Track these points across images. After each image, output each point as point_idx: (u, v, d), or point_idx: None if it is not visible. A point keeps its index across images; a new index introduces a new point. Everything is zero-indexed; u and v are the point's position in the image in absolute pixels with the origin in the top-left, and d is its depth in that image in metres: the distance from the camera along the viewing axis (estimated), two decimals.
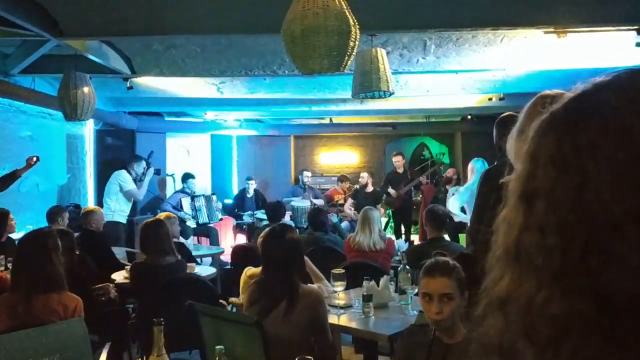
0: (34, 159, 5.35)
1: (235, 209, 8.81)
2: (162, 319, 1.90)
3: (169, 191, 8.52)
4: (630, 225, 0.49)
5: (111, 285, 4.26)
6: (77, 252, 4.16)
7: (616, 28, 4.26)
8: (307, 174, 9.19)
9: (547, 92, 1.97)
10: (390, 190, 8.19)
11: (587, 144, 0.53)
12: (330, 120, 10.60)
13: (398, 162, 8.37)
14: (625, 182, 0.50)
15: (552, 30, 4.22)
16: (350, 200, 8.73)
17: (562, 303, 0.51)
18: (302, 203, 8.51)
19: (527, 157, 0.58)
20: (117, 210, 6.79)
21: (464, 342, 2.00)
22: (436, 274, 2.07)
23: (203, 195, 8.14)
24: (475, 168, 6.06)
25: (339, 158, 11.72)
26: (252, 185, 8.93)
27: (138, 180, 7.10)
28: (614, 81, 0.56)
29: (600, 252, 0.50)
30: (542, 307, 0.52)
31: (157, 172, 7.84)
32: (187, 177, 8.10)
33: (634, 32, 4.17)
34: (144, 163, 7.17)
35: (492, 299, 0.58)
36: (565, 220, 0.52)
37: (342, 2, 2.70)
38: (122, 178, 6.87)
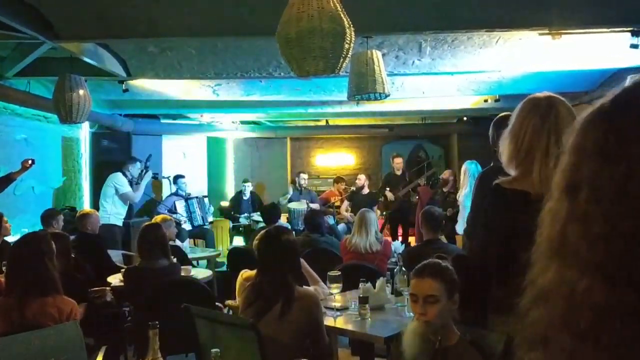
0: (30, 161, 5.33)
1: (231, 211, 8.81)
2: (157, 322, 1.89)
3: (165, 194, 8.51)
4: None
5: (107, 288, 4.25)
6: (73, 255, 4.15)
7: (610, 30, 4.28)
8: (303, 176, 9.19)
9: (537, 94, 1.98)
10: (388, 193, 8.21)
11: (633, 136, 0.53)
12: (327, 122, 10.61)
13: (399, 164, 8.41)
14: None
15: (547, 31, 4.23)
16: (346, 202, 8.74)
17: (605, 292, 0.51)
18: (298, 205, 8.51)
19: (573, 149, 0.58)
20: (113, 213, 6.77)
21: (458, 345, 2.00)
22: (424, 275, 2.07)
23: (196, 197, 8.14)
24: (469, 170, 6.12)
25: (336, 160, 11.72)
26: (249, 188, 8.94)
27: (135, 183, 7.08)
28: None
29: None
30: (584, 296, 0.52)
31: (155, 176, 7.84)
32: (177, 178, 8.10)
33: (629, 34, 4.19)
34: (139, 164, 7.16)
35: (536, 291, 0.59)
36: (609, 210, 0.52)
37: (337, 4, 2.70)
38: (118, 181, 6.85)
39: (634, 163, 0.52)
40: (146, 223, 4.29)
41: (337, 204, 8.97)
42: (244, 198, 8.86)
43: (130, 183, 7.00)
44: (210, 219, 8.32)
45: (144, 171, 7.20)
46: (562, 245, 0.56)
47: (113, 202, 6.80)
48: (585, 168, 0.56)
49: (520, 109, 1.98)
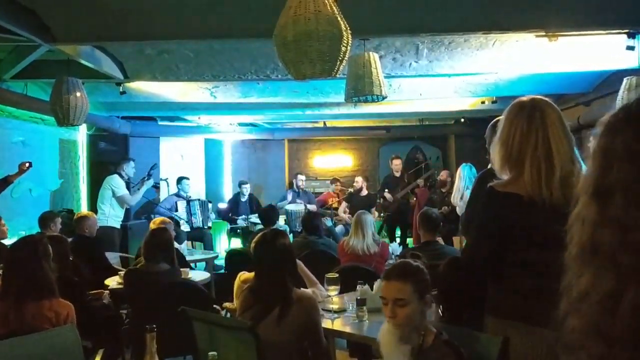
0: (27, 164, 5.33)
1: (229, 213, 8.81)
2: (154, 325, 1.89)
3: (163, 196, 8.51)
4: None
5: (105, 291, 4.25)
6: (71, 258, 4.15)
7: (607, 32, 4.30)
8: (301, 177, 9.21)
9: (522, 98, 2.01)
10: (387, 195, 8.22)
11: None
12: (324, 124, 10.62)
13: (397, 165, 8.42)
14: None
15: (544, 34, 4.24)
16: (344, 204, 8.75)
17: None
18: (296, 207, 8.51)
19: (599, 154, 0.57)
20: (112, 215, 6.77)
21: (434, 345, 1.98)
22: (391, 278, 2.04)
23: (199, 200, 8.15)
24: (463, 173, 6.22)
25: (333, 162, 11.74)
26: (247, 189, 8.94)
27: (132, 186, 7.08)
28: None
29: None
30: (624, 303, 0.51)
31: (157, 185, 7.83)
32: (181, 179, 8.10)
33: (625, 36, 4.21)
34: (132, 163, 7.15)
35: (572, 297, 0.57)
36: None
37: (334, 7, 2.71)
38: (114, 183, 6.85)
39: None
40: (154, 227, 4.31)
41: (335, 205, 8.98)
42: (242, 200, 8.87)
43: (127, 184, 7.00)
44: (210, 223, 8.32)
45: (146, 177, 7.20)
46: (594, 251, 0.55)
47: (111, 204, 6.79)
48: (617, 172, 0.54)
49: (506, 114, 2.01)
